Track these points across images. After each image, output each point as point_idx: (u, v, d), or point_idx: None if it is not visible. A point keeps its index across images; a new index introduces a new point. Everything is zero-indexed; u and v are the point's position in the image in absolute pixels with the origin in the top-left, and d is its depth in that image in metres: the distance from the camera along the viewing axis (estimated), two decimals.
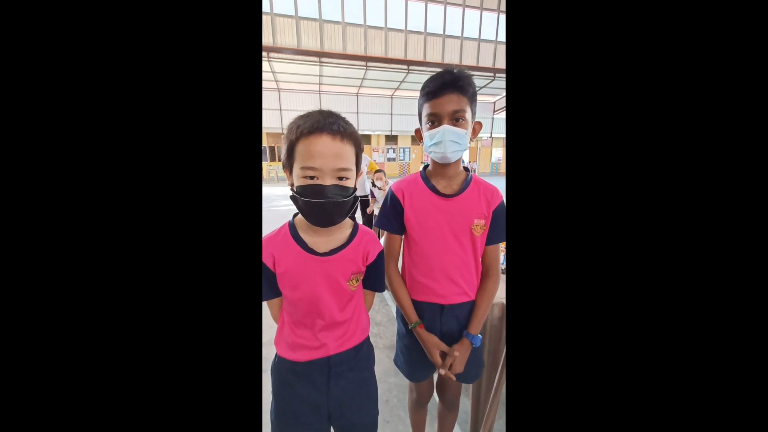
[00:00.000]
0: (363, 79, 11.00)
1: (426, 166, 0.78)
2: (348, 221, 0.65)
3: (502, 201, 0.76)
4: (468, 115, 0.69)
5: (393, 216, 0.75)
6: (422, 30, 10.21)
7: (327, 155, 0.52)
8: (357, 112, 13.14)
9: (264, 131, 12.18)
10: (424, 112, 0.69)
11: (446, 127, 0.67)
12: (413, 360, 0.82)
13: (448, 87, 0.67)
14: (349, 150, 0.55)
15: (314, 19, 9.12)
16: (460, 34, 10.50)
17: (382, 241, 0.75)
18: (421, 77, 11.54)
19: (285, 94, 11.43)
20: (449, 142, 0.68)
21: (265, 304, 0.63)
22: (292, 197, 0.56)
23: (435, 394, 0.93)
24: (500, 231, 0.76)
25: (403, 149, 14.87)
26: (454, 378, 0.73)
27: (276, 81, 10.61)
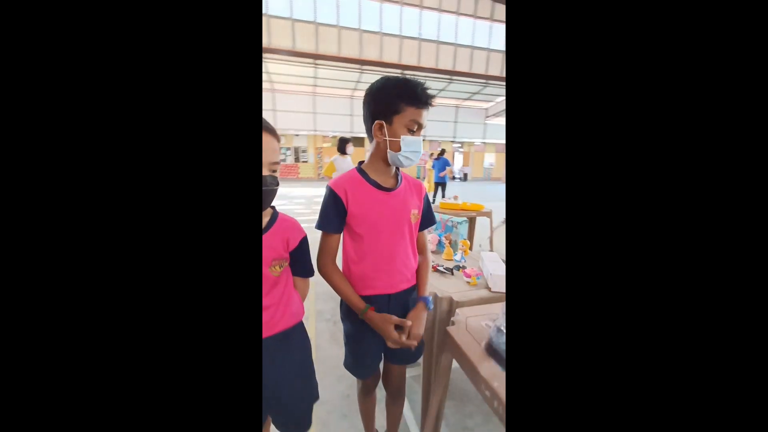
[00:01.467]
0: (358, 82, 11.08)
1: (361, 163, 0.80)
2: (267, 210, 0.67)
3: (425, 190, 0.87)
4: None
5: (334, 215, 0.75)
6: (417, 35, 10.35)
7: (265, 150, 0.58)
8: (351, 115, 13.20)
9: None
10: (406, 116, 0.69)
11: (420, 140, 0.72)
12: (359, 359, 0.86)
13: (428, 102, 0.71)
14: (276, 144, 0.61)
15: (309, 22, 9.17)
16: (453, 41, 10.68)
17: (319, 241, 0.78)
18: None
19: (279, 95, 11.44)
20: (420, 152, 0.73)
21: None
22: None
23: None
24: (429, 217, 0.87)
25: None
26: (414, 344, 0.75)
27: (271, 82, 10.62)
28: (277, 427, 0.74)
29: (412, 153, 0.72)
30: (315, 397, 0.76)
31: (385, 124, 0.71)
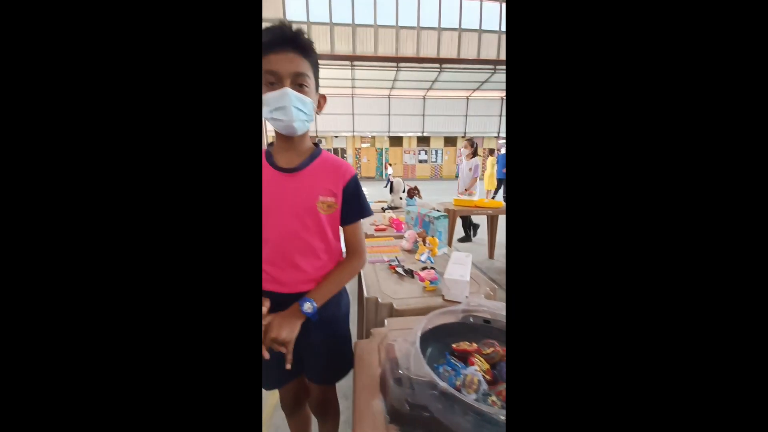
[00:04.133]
0: (395, 80, 11.01)
1: (271, 144, 0.68)
2: None
3: (354, 176, 0.66)
4: (312, 82, 0.60)
5: None
6: (456, 26, 9.84)
7: None
8: (389, 114, 13.19)
9: None
10: (264, 71, 0.57)
11: (288, 90, 0.56)
12: (264, 363, 0.72)
13: (287, 43, 0.56)
14: None
15: (347, 24, 9.39)
16: (497, 29, 9.89)
17: None
18: (455, 75, 11.15)
19: None
20: (293, 109, 0.56)
21: None
22: None
23: None
24: (355, 209, 0.66)
25: (435, 151, 14.50)
26: (266, 355, 0.57)
27: None
28: None
29: (278, 111, 0.57)
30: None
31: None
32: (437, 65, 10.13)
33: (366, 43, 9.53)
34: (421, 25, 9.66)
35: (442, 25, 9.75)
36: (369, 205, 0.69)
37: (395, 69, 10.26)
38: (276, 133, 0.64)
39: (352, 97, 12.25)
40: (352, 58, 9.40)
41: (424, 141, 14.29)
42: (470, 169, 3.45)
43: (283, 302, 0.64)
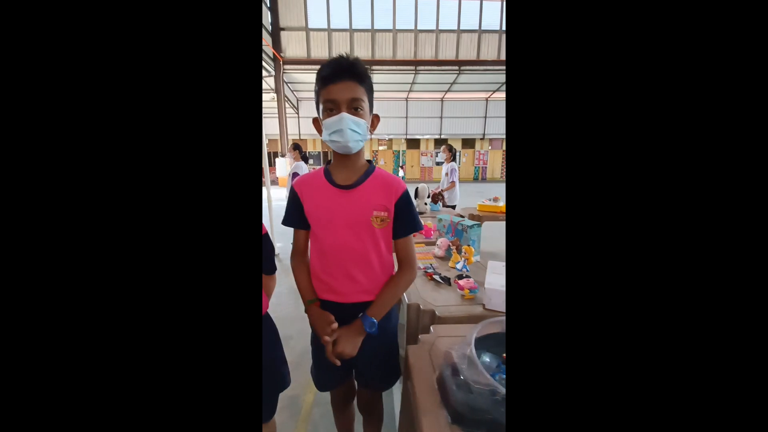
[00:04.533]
0: (413, 83, 11.04)
1: (329, 162, 0.75)
2: None
3: (405, 191, 0.71)
4: (366, 105, 0.66)
5: (293, 211, 0.74)
6: (476, 28, 9.76)
7: None
8: (406, 117, 13.23)
9: (320, 138, 13.19)
10: (321, 100, 0.66)
11: (345, 115, 0.63)
12: (320, 367, 0.80)
13: (344, 74, 0.63)
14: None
15: (366, 30, 9.54)
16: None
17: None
18: (474, 77, 11.04)
19: None
20: (349, 131, 0.63)
21: None
22: None
23: None
24: (407, 223, 0.71)
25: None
26: (336, 361, 0.65)
27: None
28: None
29: (335, 134, 0.64)
30: (282, 384, 0.78)
31: (319, 116, 0.68)
32: (456, 67, 10.07)
33: (385, 47, 9.63)
34: (440, 27, 9.66)
35: (462, 27, 9.70)
36: (420, 220, 0.73)
37: (413, 72, 10.30)
38: (333, 152, 0.71)
39: None
40: (371, 63, 9.53)
41: (441, 143, 14.18)
42: (446, 174, 3.48)
43: (340, 311, 0.71)
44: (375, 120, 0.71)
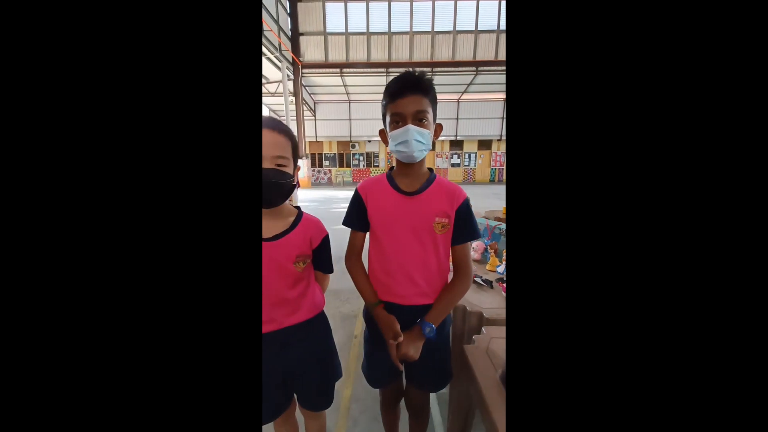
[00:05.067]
0: None
1: (392, 168, 0.79)
2: (291, 209, 0.73)
3: (466, 199, 0.75)
4: (430, 116, 0.70)
5: (356, 214, 0.78)
6: (495, 28, 9.65)
7: (267, 144, 0.62)
8: None
9: (336, 140, 13.38)
10: (388, 113, 0.71)
11: (410, 127, 0.67)
12: (374, 365, 0.84)
13: (410, 88, 0.68)
14: (284, 141, 0.65)
15: (383, 33, 9.62)
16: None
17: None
18: (491, 77, 10.89)
19: (354, 105, 12.34)
20: (414, 142, 0.68)
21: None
22: None
23: None
24: (466, 230, 0.74)
25: (469, 154, 14.19)
26: (400, 365, 0.71)
27: (347, 94, 11.56)
28: (302, 405, 0.81)
29: (401, 144, 0.69)
30: (336, 375, 0.82)
31: (385, 128, 0.73)
32: (473, 68, 9.98)
33: (401, 49, 9.68)
34: (457, 28, 9.62)
35: (480, 27, 9.62)
36: (478, 228, 0.76)
37: (430, 73, 10.28)
38: (396, 160, 0.76)
39: None
40: (388, 65, 9.60)
41: (457, 145, 14.07)
42: None
43: (399, 313, 0.75)
44: (438, 129, 0.75)
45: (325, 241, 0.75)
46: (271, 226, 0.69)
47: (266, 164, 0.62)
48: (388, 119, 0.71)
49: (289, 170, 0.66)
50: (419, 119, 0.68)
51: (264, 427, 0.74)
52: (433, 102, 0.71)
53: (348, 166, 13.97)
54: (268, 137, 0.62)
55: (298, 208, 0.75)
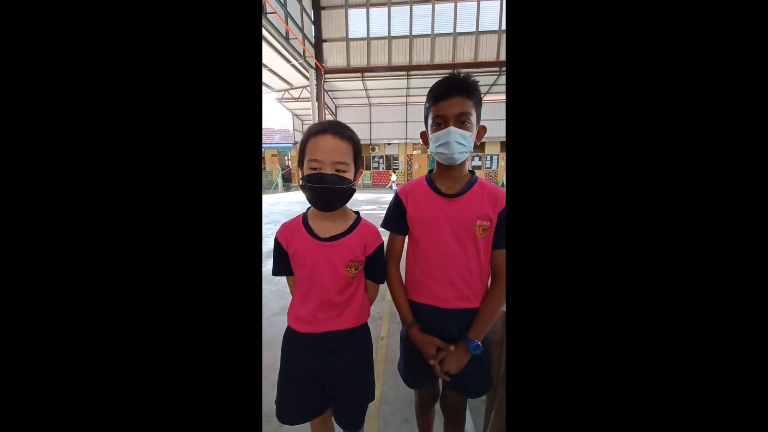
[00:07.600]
0: None
1: (431, 170, 0.78)
2: (351, 213, 0.73)
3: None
4: (473, 118, 0.69)
5: (396, 216, 0.78)
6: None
7: (328, 150, 0.62)
8: None
9: None
10: (431, 115, 0.70)
11: (452, 129, 0.67)
12: (411, 366, 0.83)
13: (454, 90, 0.67)
14: (345, 147, 0.64)
15: (405, 36, 9.67)
16: None
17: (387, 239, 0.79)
18: None
19: (375, 108, 12.46)
20: (455, 144, 0.67)
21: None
22: (301, 186, 0.67)
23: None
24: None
25: (490, 156, 13.87)
26: (446, 378, 0.70)
27: (368, 97, 11.70)
28: (337, 422, 0.78)
29: (442, 146, 0.68)
30: (369, 398, 0.77)
31: (427, 131, 0.73)
32: (496, 69, 9.78)
33: (422, 52, 9.68)
34: (480, 29, 9.49)
35: (503, 27, 9.43)
36: None
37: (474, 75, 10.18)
38: (437, 163, 0.75)
39: (406, 105, 12.49)
40: (409, 68, 9.63)
41: (478, 146, 13.83)
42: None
43: (440, 316, 0.74)
44: (481, 131, 0.73)
45: (380, 250, 0.73)
46: (329, 227, 0.69)
47: (326, 170, 0.62)
48: (430, 121, 0.71)
49: (349, 175, 0.65)
50: (461, 121, 0.67)
51: (300, 427, 0.74)
52: (478, 104, 0.70)
53: (368, 168, 14.09)
54: (330, 143, 0.62)
55: (357, 213, 0.74)
